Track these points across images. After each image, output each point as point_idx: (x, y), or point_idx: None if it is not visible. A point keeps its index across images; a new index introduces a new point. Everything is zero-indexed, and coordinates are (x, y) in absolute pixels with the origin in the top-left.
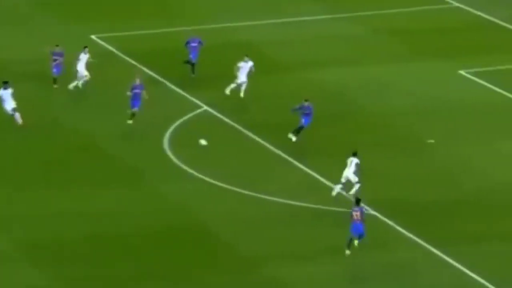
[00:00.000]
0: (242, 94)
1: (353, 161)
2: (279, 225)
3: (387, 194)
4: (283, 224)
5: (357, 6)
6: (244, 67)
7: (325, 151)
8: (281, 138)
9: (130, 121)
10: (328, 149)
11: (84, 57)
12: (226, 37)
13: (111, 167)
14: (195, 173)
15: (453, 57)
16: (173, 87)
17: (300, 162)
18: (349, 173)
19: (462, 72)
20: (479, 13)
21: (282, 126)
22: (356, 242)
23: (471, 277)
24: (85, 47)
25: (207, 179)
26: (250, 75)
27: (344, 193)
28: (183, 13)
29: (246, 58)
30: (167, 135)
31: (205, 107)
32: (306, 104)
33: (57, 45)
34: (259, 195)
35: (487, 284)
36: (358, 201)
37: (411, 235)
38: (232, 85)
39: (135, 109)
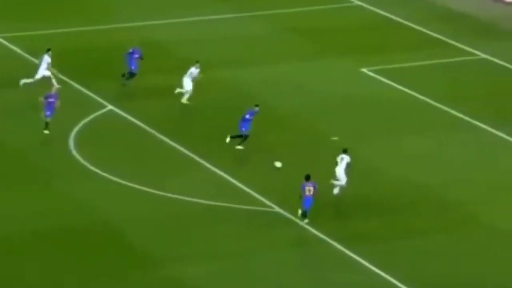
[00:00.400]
0: (185, 101)
1: (344, 159)
2: (185, 224)
3: (293, 193)
4: (190, 223)
5: (263, 5)
6: (193, 73)
7: (234, 151)
8: (188, 137)
9: (46, 131)
10: (236, 150)
11: None
12: (133, 36)
13: (16, 168)
14: (101, 173)
15: (355, 55)
16: (77, 86)
17: (208, 161)
18: (340, 170)
19: (364, 70)
20: (380, 11)
21: (188, 125)
22: (299, 213)
23: (378, 274)
24: None
25: (112, 178)
26: (194, 81)
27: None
28: (90, 12)
29: (197, 64)
30: (72, 134)
31: (110, 107)
32: (257, 109)
33: None
34: (165, 194)
35: (393, 281)
36: (308, 177)
37: (317, 233)
38: (186, 95)
39: (48, 118)
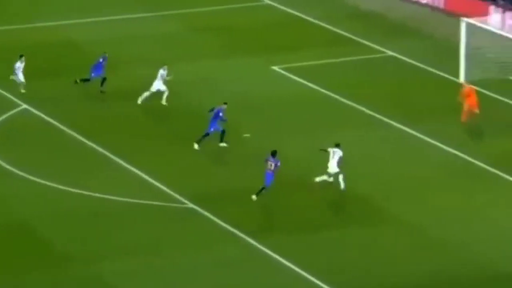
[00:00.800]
0: (164, 102)
1: (335, 153)
2: (104, 222)
3: (205, 188)
4: (108, 221)
5: (175, 4)
6: (163, 75)
7: (150, 149)
8: (105, 136)
9: None
10: (152, 147)
11: None
12: (48, 36)
13: None
14: (16, 171)
15: (266, 54)
16: None
17: (126, 160)
18: (332, 164)
19: (275, 67)
20: (290, 10)
21: (105, 124)
22: (254, 196)
23: (288, 267)
24: None
25: (28, 176)
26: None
27: (330, 180)
28: (4, 12)
29: (164, 66)
30: None
31: (25, 106)
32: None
33: None
34: (83, 192)
35: (302, 272)
36: (274, 153)
37: (229, 227)
38: (164, 96)
39: None
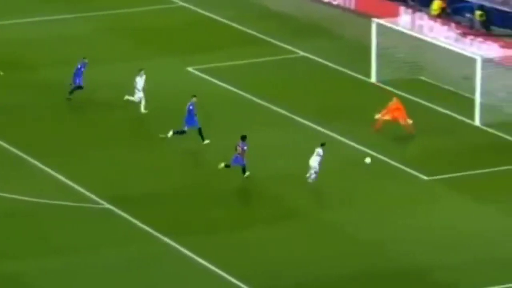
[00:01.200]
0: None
1: (318, 152)
2: (20, 222)
3: (122, 190)
4: (24, 221)
5: (88, 7)
6: (140, 82)
7: (65, 150)
8: (18, 137)
9: None
10: (69, 149)
11: None
12: None
13: None
14: None
15: (180, 55)
16: None
17: (40, 161)
18: (313, 160)
19: (190, 69)
20: (203, 12)
21: (19, 125)
22: (246, 174)
23: (204, 265)
24: None
25: None
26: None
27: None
28: None
29: (141, 72)
30: None
31: None
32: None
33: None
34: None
35: (218, 271)
36: (244, 138)
37: (145, 227)
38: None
39: None
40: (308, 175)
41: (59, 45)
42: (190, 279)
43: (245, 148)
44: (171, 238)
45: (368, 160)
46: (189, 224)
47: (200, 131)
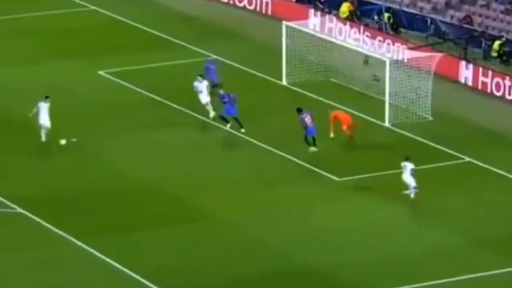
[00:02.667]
0: None
1: (405, 166)
2: None
3: (28, 191)
4: None
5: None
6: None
7: None
8: None
9: None
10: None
11: None
12: None
13: None
14: None
15: (91, 58)
16: None
17: None
18: (406, 177)
19: (101, 72)
20: (114, 15)
21: None
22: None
23: (115, 267)
24: None
25: None
26: None
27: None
28: None
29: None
30: None
31: None
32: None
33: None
34: None
35: (127, 271)
36: (300, 110)
37: (52, 228)
38: None
39: None
40: (407, 192)
41: None
42: (101, 280)
43: (308, 117)
44: (78, 239)
45: (63, 141)
46: (99, 224)
47: (236, 119)
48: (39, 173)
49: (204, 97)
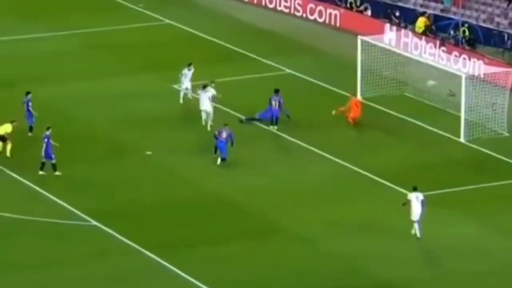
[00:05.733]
0: None
1: (418, 197)
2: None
3: (108, 205)
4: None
5: (73, 24)
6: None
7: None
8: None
9: None
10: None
11: None
12: None
13: None
14: None
15: (167, 72)
16: None
17: (16, 172)
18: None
19: (176, 86)
20: (188, 28)
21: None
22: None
23: (185, 278)
24: None
25: None
26: None
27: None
28: None
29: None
30: None
31: None
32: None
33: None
34: None
35: (200, 284)
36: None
37: (130, 243)
38: None
39: None
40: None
41: (44, 62)
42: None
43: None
44: (151, 252)
45: (431, 82)
46: (169, 239)
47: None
48: (113, 185)
49: (186, 82)
